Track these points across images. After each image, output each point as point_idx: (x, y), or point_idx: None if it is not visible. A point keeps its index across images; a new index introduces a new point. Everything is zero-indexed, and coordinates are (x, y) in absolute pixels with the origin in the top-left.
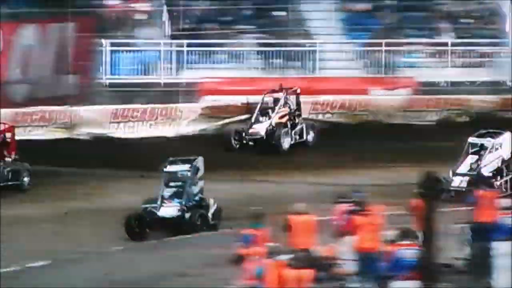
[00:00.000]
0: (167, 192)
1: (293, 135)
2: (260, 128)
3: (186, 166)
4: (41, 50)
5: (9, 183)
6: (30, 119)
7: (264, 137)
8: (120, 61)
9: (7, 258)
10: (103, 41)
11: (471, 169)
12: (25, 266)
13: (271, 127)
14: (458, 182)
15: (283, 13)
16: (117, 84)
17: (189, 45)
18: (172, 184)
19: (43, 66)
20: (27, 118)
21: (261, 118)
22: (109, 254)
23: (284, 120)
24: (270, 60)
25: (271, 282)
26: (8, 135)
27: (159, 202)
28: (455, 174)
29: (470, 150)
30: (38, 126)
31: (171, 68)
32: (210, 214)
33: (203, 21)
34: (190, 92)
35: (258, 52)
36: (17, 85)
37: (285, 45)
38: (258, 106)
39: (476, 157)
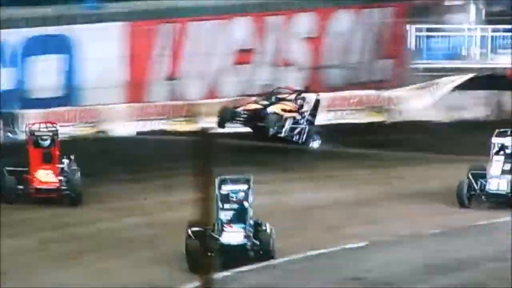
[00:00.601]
0: (224, 215)
1: (285, 127)
2: (253, 107)
3: (244, 186)
4: (357, 35)
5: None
6: (347, 103)
7: (253, 116)
8: (432, 46)
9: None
10: (414, 26)
11: (503, 171)
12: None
13: (262, 108)
14: (496, 185)
15: None
16: (428, 69)
17: (497, 30)
18: (227, 206)
19: (359, 51)
20: (344, 102)
21: (263, 102)
22: (423, 238)
23: (286, 113)
24: None
25: None
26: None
27: (218, 227)
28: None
29: (493, 151)
30: (355, 110)
31: (481, 53)
32: (271, 240)
33: None
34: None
35: None
36: (334, 70)
37: None
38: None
39: (502, 157)
